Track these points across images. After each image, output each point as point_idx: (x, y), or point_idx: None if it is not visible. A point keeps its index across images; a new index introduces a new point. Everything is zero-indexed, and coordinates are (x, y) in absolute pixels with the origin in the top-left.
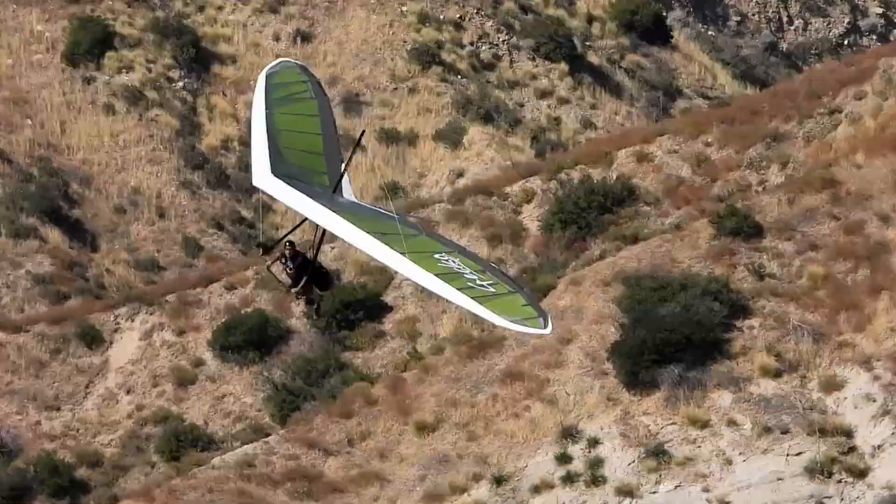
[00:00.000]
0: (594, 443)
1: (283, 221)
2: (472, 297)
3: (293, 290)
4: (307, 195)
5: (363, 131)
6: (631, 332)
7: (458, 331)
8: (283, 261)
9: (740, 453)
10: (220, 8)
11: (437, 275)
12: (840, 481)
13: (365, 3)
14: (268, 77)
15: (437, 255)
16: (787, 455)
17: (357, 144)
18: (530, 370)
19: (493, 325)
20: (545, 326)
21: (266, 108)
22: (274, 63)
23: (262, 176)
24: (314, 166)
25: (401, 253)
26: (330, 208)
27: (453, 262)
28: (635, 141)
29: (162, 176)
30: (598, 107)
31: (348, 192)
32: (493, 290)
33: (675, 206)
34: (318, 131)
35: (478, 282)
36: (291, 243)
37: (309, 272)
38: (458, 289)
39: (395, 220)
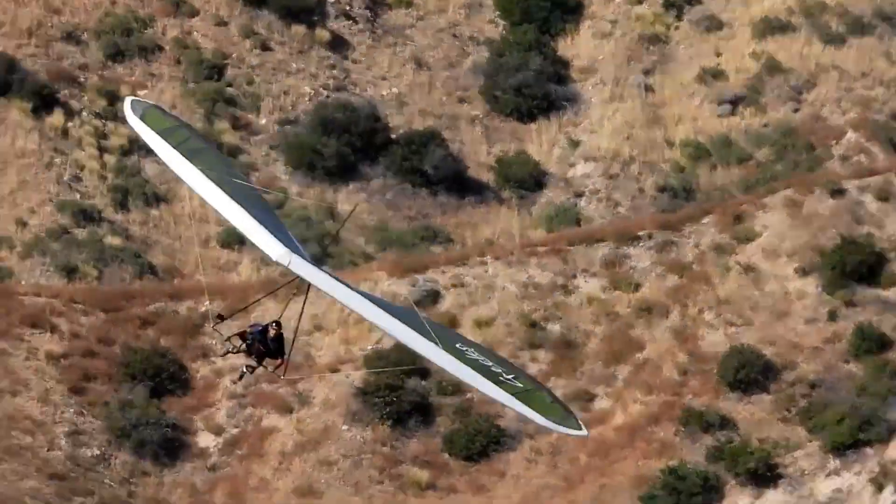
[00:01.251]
0: None
1: None
2: (511, 394)
3: (253, 369)
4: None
5: (356, 205)
6: None
7: None
8: (250, 338)
9: None
10: None
11: (472, 368)
12: None
13: None
14: (145, 123)
15: (459, 346)
16: None
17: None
18: None
19: (529, 422)
20: (581, 429)
21: (202, 169)
22: (134, 106)
23: (286, 257)
24: (277, 224)
25: (436, 344)
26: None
27: (477, 354)
28: None
29: None
30: None
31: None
32: (522, 386)
33: None
34: (245, 181)
35: (506, 375)
36: (278, 323)
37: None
38: (494, 384)
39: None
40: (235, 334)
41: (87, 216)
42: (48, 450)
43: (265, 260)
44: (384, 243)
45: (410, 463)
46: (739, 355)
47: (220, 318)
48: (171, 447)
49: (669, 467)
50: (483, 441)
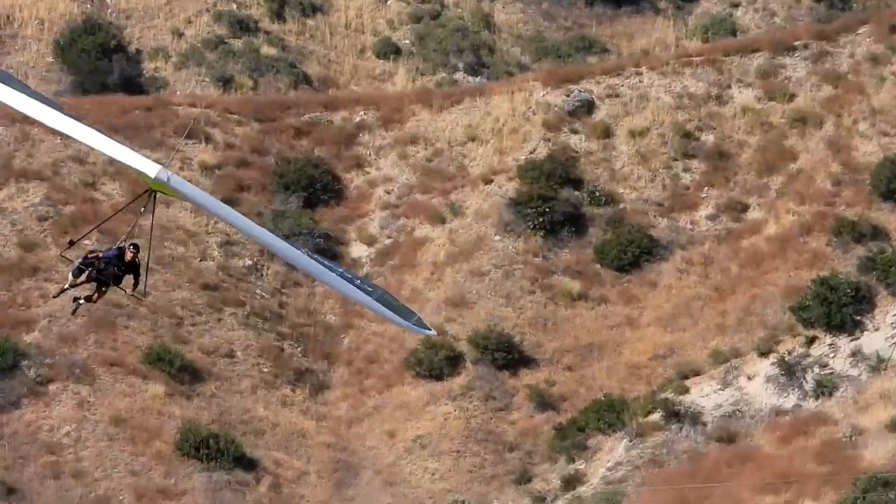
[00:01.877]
0: None
1: None
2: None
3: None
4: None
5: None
6: None
7: None
8: (103, 264)
9: None
10: None
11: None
12: None
13: None
14: None
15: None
16: None
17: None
18: None
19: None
20: (428, 328)
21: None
22: None
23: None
24: None
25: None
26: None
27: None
28: None
29: None
30: None
31: None
32: (377, 291)
33: None
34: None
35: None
36: (136, 245)
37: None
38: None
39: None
40: (82, 260)
41: (244, 26)
42: (200, 260)
43: (421, 70)
44: (540, 53)
45: (562, 273)
46: (892, 165)
47: (71, 243)
48: (324, 257)
49: (821, 277)
50: (635, 251)
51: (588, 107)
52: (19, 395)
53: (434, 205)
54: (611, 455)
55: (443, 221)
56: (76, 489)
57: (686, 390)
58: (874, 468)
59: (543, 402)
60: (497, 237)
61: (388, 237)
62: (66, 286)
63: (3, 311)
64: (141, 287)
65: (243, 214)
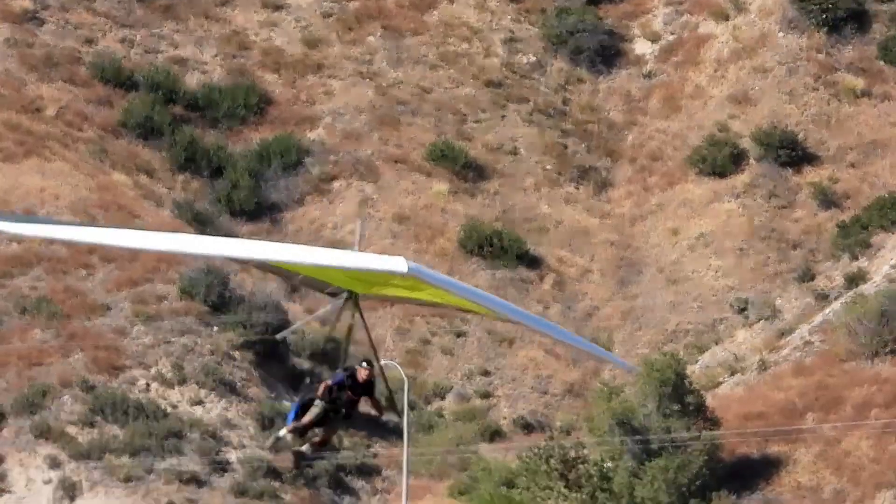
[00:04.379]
0: None
1: None
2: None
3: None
4: None
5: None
6: None
7: None
8: (334, 393)
9: None
10: None
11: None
12: None
13: None
14: None
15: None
16: None
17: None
18: None
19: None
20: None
21: None
22: None
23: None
24: None
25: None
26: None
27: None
28: None
29: None
30: None
31: None
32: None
33: None
34: None
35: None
36: (369, 361)
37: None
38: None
39: None
40: (304, 397)
41: None
42: (484, 57)
43: None
44: None
45: (845, 70)
46: None
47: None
48: (608, 54)
49: None
50: None
51: None
52: (303, 193)
53: (718, 1)
54: (894, 252)
55: (726, 18)
56: None
57: None
58: None
59: (827, 199)
60: (780, 33)
61: (672, 33)
62: (282, 433)
63: (287, 108)
64: (381, 399)
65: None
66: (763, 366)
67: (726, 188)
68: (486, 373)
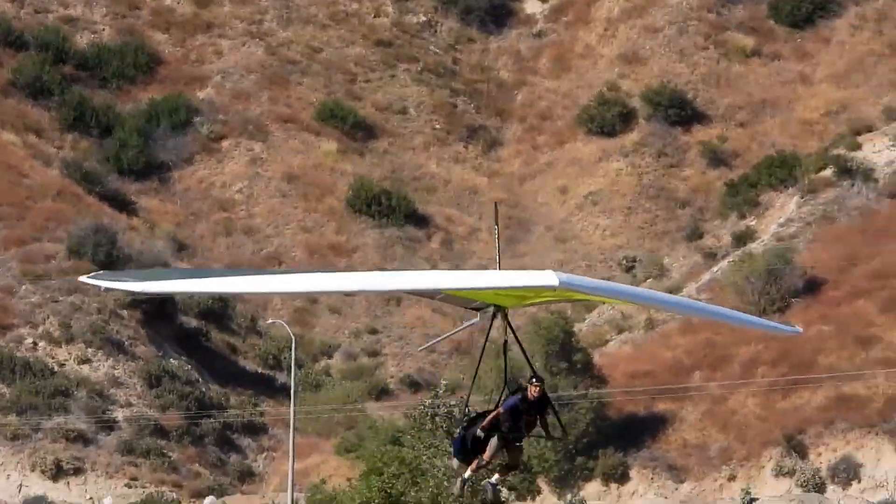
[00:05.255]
0: None
1: None
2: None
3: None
4: None
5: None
6: None
7: None
8: (509, 418)
9: None
10: None
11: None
12: None
13: None
14: None
15: None
16: None
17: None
18: None
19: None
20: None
21: None
22: None
23: None
24: None
25: None
26: None
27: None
28: None
29: None
30: None
31: None
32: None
33: None
34: None
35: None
36: (538, 377)
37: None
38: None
39: None
40: (468, 429)
41: None
42: (374, 16)
43: None
44: None
45: (736, 29)
46: None
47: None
48: (498, 14)
49: None
50: (809, 7)
51: None
52: (192, 152)
53: None
54: (782, 211)
55: None
56: (247, 245)
57: (858, 146)
58: None
59: (716, 158)
60: None
61: None
62: (468, 474)
63: (176, 67)
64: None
65: None
66: (650, 324)
67: (615, 147)
68: (373, 331)
